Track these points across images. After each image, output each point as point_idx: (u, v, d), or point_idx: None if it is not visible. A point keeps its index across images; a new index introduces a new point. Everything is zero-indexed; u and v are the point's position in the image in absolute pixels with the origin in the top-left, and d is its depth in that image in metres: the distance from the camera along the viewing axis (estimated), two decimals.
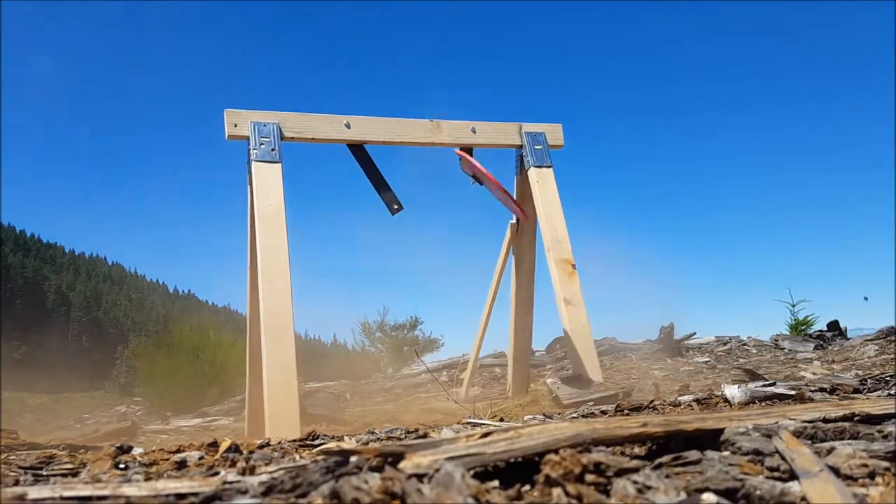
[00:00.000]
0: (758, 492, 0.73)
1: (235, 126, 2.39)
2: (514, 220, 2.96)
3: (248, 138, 2.38)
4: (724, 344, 6.71)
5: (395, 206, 2.60)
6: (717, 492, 0.74)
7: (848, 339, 6.27)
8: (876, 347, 4.73)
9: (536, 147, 2.76)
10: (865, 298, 6.57)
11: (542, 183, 2.70)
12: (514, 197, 2.93)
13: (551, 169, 2.74)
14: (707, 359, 5.46)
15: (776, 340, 6.38)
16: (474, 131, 2.74)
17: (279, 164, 2.36)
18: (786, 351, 5.79)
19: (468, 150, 2.78)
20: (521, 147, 2.80)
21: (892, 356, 4.04)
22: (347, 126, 2.58)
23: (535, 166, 2.73)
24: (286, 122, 2.48)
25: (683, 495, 0.73)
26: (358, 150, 2.61)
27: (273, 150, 2.37)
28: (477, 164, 2.74)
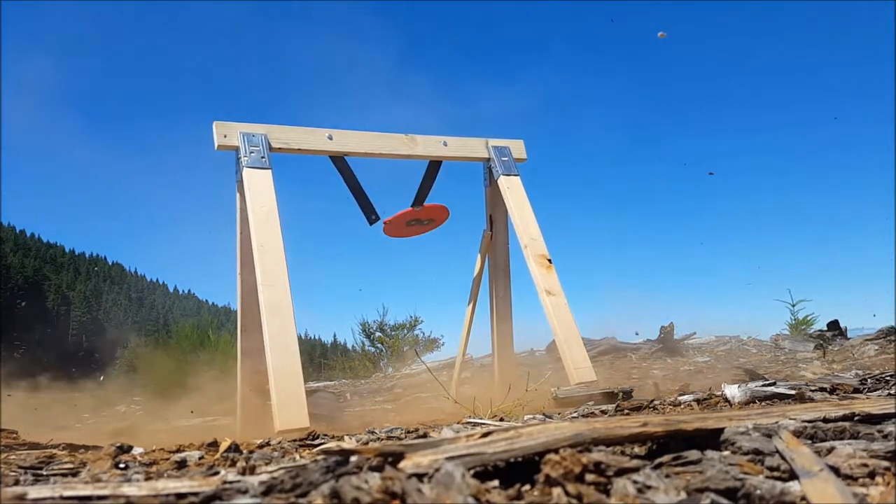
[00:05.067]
0: (758, 491, 0.73)
1: (225, 137, 2.49)
2: (487, 229, 3.05)
3: (237, 148, 2.47)
4: (724, 344, 6.71)
5: (373, 217, 2.70)
6: (717, 491, 0.74)
7: (848, 339, 6.27)
8: (876, 347, 4.73)
9: (503, 159, 2.94)
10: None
11: (512, 189, 2.86)
12: (486, 206, 3.09)
13: (519, 177, 2.90)
14: (707, 359, 5.46)
15: (776, 340, 6.38)
16: (446, 144, 2.89)
17: (269, 171, 2.45)
18: (786, 351, 5.79)
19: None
20: (488, 160, 2.93)
21: (892, 356, 4.04)
22: (330, 138, 2.66)
23: (503, 175, 2.88)
24: (273, 134, 2.58)
25: (683, 495, 0.73)
26: (340, 161, 2.67)
27: (263, 157, 2.47)
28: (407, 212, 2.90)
